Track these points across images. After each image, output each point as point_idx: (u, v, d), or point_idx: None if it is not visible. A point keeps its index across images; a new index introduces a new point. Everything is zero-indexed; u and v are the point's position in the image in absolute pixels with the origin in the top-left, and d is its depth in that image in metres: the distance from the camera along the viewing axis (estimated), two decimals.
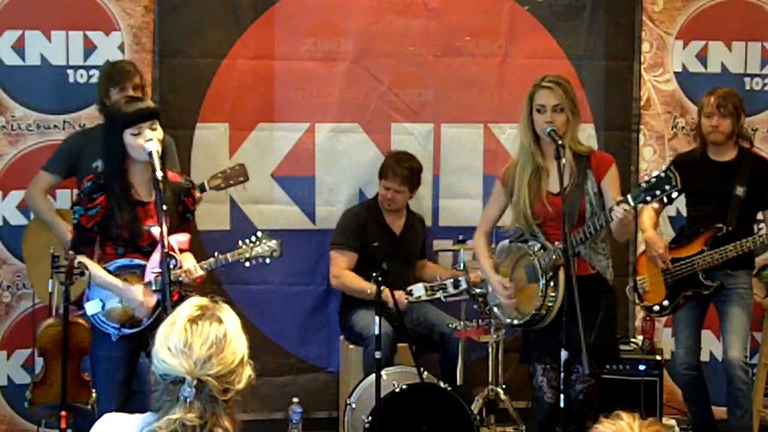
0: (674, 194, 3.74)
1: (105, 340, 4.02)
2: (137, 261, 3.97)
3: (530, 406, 4.45)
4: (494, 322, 4.84)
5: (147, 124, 3.88)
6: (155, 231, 3.88)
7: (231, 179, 5.00)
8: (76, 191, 4.90)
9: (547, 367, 4.14)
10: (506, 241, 4.27)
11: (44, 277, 4.68)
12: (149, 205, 3.95)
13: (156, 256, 3.88)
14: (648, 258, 4.85)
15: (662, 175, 3.72)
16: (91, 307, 4.00)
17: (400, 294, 4.81)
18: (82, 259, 3.98)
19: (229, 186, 5.00)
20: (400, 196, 5.20)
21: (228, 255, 4.07)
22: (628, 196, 3.83)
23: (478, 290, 4.78)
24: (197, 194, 4.46)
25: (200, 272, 3.99)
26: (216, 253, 4.08)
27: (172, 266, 3.88)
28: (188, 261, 4.02)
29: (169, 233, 3.92)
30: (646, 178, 3.81)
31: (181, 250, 4.00)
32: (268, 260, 4.15)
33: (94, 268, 3.96)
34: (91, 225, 3.95)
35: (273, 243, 4.14)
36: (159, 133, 3.90)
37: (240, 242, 4.13)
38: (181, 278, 3.92)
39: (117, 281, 3.94)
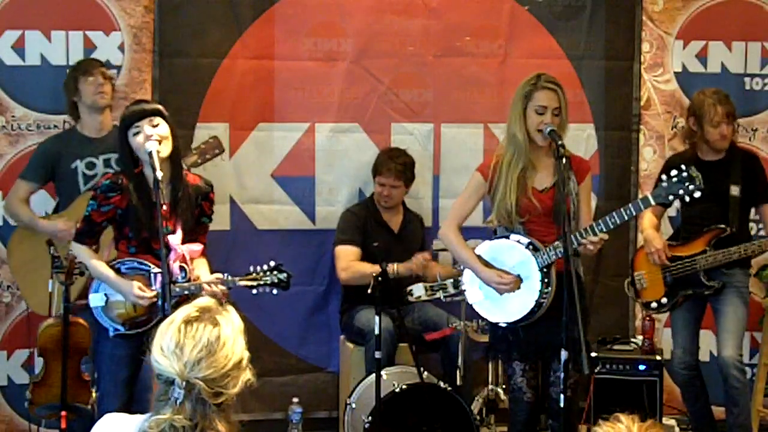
0: (697, 194, 3.75)
1: (108, 336, 4.03)
2: (146, 264, 3.96)
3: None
4: None
5: (145, 122, 3.88)
6: (172, 239, 3.89)
7: (207, 153, 5.00)
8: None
9: (526, 367, 4.12)
10: (487, 242, 4.20)
11: (35, 288, 4.71)
12: (165, 207, 3.95)
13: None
14: (646, 254, 4.85)
15: (684, 174, 3.75)
16: (94, 300, 4.02)
17: (419, 258, 5.00)
18: (80, 249, 3.99)
19: (206, 161, 4.98)
20: (395, 191, 5.21)
21: (237, 279, 4.02)
22: (636, 202, 3.89)
23: (451, 288, 4.78)
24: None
25: (221, 288, 3.96)
26: (226, 275, 4.03)
27: (181, 278, 3.89)
28: (201, 270, 4.03)
29: (184, 236, 3.94)
30: (665, 177, 3.81)
31: (193, 260, 4.01)
32: (275, 291, 4.09)
33: (92, 261, 3.98)
34: (101, 221, 3.97)
35: (283, 276, 4.09)
36: (161, 129, 3.89)
37: (252, 268, 4.07)
38: (191, 291, 3.90)
39: (110, 273, 3.94)
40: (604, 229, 3.90)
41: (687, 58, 5.57)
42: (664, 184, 3.81)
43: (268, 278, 4.06)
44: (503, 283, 4.05)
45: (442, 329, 4.95)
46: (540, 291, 3.98)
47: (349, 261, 5.16)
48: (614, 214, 3.90)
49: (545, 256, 3.97)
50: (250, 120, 5.37)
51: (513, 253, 4.06)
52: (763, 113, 5.59)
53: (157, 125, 3.89)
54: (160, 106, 4.02)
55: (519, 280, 4.05)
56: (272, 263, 4.08)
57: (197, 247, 4.01)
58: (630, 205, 3.92)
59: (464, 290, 4.28)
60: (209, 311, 2.20)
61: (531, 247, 4.01)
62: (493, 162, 4.11)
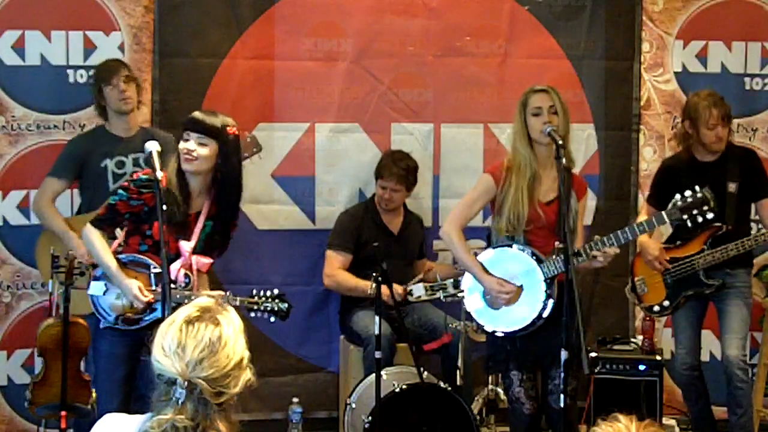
0: (710, 215, 3.91)
1: (106, 335, 4.03)
2: (151, 262, 3.96)
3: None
4: None
5: (195, 136, 3.88)
6: (183, 245, 3.89)
7: (246, 152, 5.02)
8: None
9: (523, 377, 4.12)
10: (491, 249, 4.18)
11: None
12: (190, 216, 3.96)
13: (174, 268, 3.87)
14: (644, 261, 4.86)
15: (699, 195, 3.91)
16: (94, 288, 4.02)
17: (399, 288, 4.82)
18: (92, 234, 3.97)
19: (244, 159, 5.01)
20: (397, 195, 5.21)
21: (238, 299, 3.97)
22: (650, 219, 4.10)
23: (451, 288, 4.77)
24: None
25: None
26: (228, 292, 4.01)
27: (184, 284, 3.90)
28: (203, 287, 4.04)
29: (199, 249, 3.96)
30: (679, 196, 3.98)
31: (200, 272, 4.01)
32: (272, 319, 4.04)
33: (101, 250, 3.96)
34: (125, 212, 3.95)
35: (284, 306, 4.03)
36: (205, 150, 3.87)
37: (254, 291, 4.04)
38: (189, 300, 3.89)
39: (114, 266, 3.93)
40: (615, 244, 3.99)
41: (687, 58, 5.57)
42: (679, 204, 3.97)
43: (268, 305, 4.01)
44: (503, 292, 4.05)
45: (440, 338, 4.94)
46: (543, 302, 3.99)
47: (334, 268, 5.17)
48: (627, 229, 4.04)
49: (551, 267, 3.98)
50: (250, 120, 5.36)
51: (518, 261, 4.07)
52: (763, 113, 5.59)
53: (205, 143, 3.88)
54: (218, 126, 3.91)
55: (520, 289, 4.05)
56: (276, 291, 4.04)
57: (206, 260, 4.01)
58: (644, 221, 4.15)
59: (464, 296, 4.28)
60: (210, 311, 2.20)
61: (535, 257, 4.03)
62: (505, 166, 4.13)
